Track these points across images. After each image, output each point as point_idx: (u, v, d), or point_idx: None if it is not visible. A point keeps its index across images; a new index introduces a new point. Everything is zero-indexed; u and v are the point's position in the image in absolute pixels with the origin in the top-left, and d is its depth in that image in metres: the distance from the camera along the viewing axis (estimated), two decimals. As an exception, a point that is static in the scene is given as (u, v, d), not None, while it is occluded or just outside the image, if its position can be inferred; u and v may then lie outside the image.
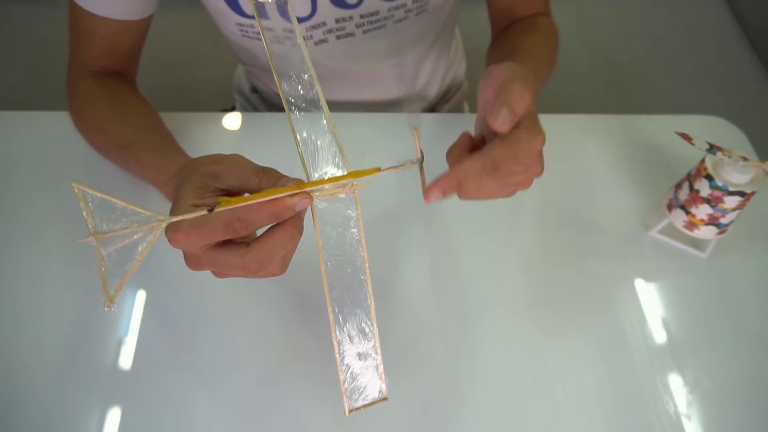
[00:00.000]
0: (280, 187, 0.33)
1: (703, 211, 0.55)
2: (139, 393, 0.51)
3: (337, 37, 0.67)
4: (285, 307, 0.56)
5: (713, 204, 0.54)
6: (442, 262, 0.59)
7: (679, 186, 0.58)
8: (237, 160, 0.37)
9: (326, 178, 0.35)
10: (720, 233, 0.57)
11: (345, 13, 0.64)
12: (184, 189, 0.36)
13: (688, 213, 0.56)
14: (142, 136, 0.54)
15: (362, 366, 0.36)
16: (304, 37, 0.66)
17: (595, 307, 0.57)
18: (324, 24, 0.64)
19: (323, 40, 0.67)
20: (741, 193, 0.52)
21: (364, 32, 0.67)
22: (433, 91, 0.83)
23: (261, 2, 0.40)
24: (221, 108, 0.87)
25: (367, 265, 0.36)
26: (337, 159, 0.37)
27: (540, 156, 0.40)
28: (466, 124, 0.73)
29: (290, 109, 0.38)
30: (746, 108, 1.27)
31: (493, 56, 0.67)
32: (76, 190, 0.32)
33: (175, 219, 0.32)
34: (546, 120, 0.71)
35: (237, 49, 0.75)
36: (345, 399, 0.35)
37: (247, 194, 0.37)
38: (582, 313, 0.56)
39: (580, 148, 0.69)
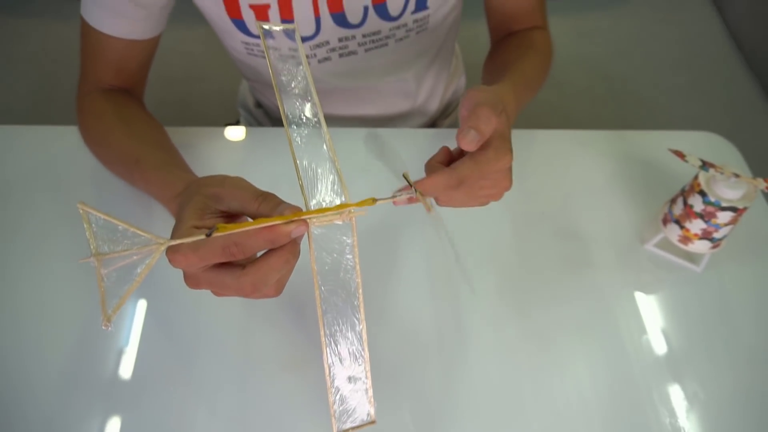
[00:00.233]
0: (277, 214, 0.35)
1: (696, 225, 0.56)
2: (139, 404, 0.52)
3: (340, 55, 0.69)
4: (283, 321, 0.57)
5: (707, 219, 0.55)
6: (438, 277, 0.60)
7: (673, 201, 0.60)
8: (238, 184, 0.38)
9: (324, 203, 0.37)
10: (714, 247, 0.58)
11: (348, 32, 0.65)
12: (186, 210, 0.38)
13: (682, 227, 0.58)
14: (149, 153, 0.56)
15: (352, 389, 0.37)
16: (307, 56, 0.67)
17: (591, 319, 0.58)
18: (327, 43, 0.66)
19: (326, 58, 0.68)
20: (733, 209, 0.54)
21: (366, 50, 0.69)
22: (434, 106, 0.85)
23: (268, 29, 0.42)
24: (226, 122, 0.89)
25: (360, 291, 0.37)
26: (336, 186, 0.38)
27: (509, 172, 0.44)
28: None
29: (290, 126, 0.40)
30: (740, 123, 1.29)
31: (487, 69, 0.70)
32: (81, 211, 0.34)
33: (173, 242, 0.33)
34: (544, 135, 0.74)
35: (241, 65, 0.76)
36: (334, 421, 0.36)
37: (245, 217, 0.38)
38: (579, 325, 0.57)
39: (577, 163, 0.71)
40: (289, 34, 0.43)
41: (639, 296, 0.60)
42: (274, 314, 0.57)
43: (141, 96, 0.68)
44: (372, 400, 0.37)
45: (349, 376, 0.37)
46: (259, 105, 0.89)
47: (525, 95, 0.58)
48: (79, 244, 0.61)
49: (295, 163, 0.38)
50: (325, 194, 0.38)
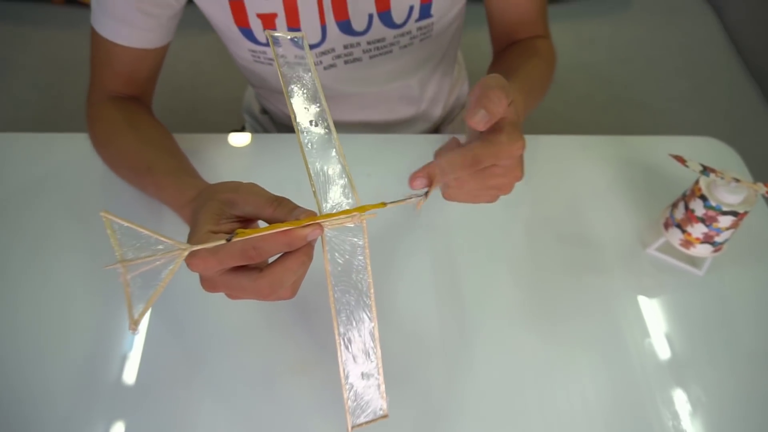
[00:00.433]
0: (292, 218, 0.36)
1: (698, 229, 0.57)
2: (146, 406, 0.52)
3: (345, 62, 0.70)
4: (291, 323, 0.57)
5: (708, 223, 0.56)
6: (444, 282, 0.61)
7: (675, 205, 0.60)
8: (252, 189, 0.39)
9: (336, 207, 0.38)
10: (715, 251, 0.59)
11: (353, 39, 0.67)
12: (201, 215, 0.38)
13: (684, 231, 0.59)
14: (160, 159, 0.57)
15: (365, 385, 0.38)
16: (314, 63, 0.68)
17: (594, 323, 0.58)
18: (333, 50, 0.67)
19: (332, 65, 0.70)
20: (734, 213, 0.54)
21: (371, 57, 0.70)
22: (437, 112, 0.86)
23: (276, 37, 0.43)
24: (231, 129, 0.90)
25: (372, 291, 0.38)
26: (346, 190, 0.39)
27: (521, 161, 0.43)
28: (469, 145, 0.75)
29: (300, 133, 0.41)
30: (740, 128, 1.30)
31: None
32: (104, 219, 0.35)
33: (195, 248, 0.34)
34: (547, 141, 0.74)
35: (247, 72, 0.77)
36: (348, 416, 0.37)
37: (261, 222, 0.39)
38: (582, 328, 0.58)
39: (579, 168, 0.72)
40: (297, 42, 0.44)
41: (641, 300, 0.60)
42: (282, 314, 0.58)
43: (149, 103, 0.69)
44: (384, 394, 0.38)
45: (362, 373, 0.38)
46: (264, 111, 0.90)
47: (531, 99, 0.59)
48: (87, 250, 0.62)
49: (307, 168, 0.39)
50: (336, 198, 0.39)
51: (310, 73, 0.42)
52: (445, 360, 0.55)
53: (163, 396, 0.53)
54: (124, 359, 0.55)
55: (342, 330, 0.38)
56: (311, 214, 0.36)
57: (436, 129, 0.90)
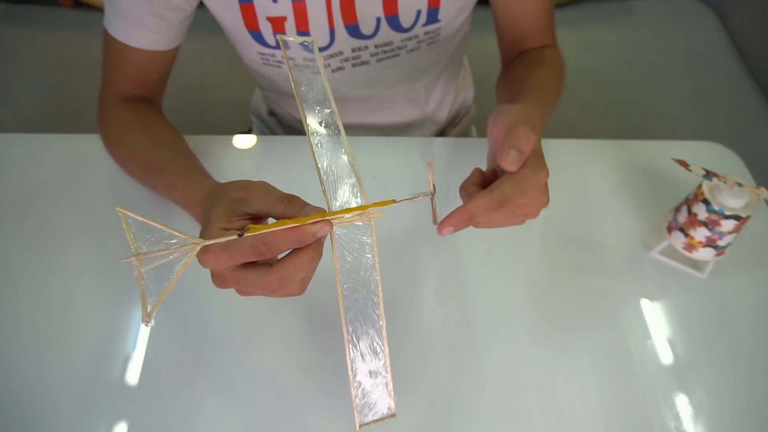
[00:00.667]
0: (303, 215, 0.37)
1: (701, 233, 0.58)
2: (150, 406, 0.52)
3: (353, 65, 0.71)
4: (298, 321, 0.58)
5: (711, 227, 0.57)
6: (450, 283, 0.62)
7: (678, 209, 0.61)
8: (263, 187, 0.40)
9: (345, 207, 0.38)
10: (718, 255, 0.59)
11: (361, 43, 0.67)
12: (213, 212, 0.39)
13: (687, 235, 0.59)
14: (172, 159, 0.58)
15: (373, 383, 0.38)
16: (323, 66, 0.69)
17: (598, 326, 0.59)
18: (341, 53, 0.68)
19: (340, 68, 0.70)
20: (737, 217, 0.55)
21: (378, 61, 0.71)
22: (443, 116, 0.86)
23: (287, 41, 0.44)
24: (238, 130, 0.91)
25: (380, 288, 0.38)
26: (354, 189, 0.40)
27: (545, 188, 0.44)
28: (474, 147, 0.76)
29: (310, 132, 0.41)
30: (743, 133, 1.30)
31: (502, 87, 0.71)
32: (120, 214, 0.36)
33: (208, 242, 0.35)
34: (552, 144, 0.75)
35: (256, 75, 0.78)
36: (356, 414, 0.37)
37: (271, 219, 0.40)
38: (585, 331, 0.59)
39: (583, 172, 0.72)
40: (306, 46, 0.45)
41: (644, 302, 0.61)
42: (289, 313, 0.58)
43: (160, 105, 0.70)
44: (392, 393, 0.38)
45: (370, 371, 0.38)
46: (271, 113, 0.91)
47: (547, 112, 0.60)
48: (91, 251, 0.63)
49: (317, 168, 0.40)
50: (345, 197, 0.40)
51: (319, 76, 0.43)
52: (451, 360, 0.56)
53: (168, 395, 0.53)
54: (127, 359, 0.55)
55: (350, 328, 0.38)
56: (321, 212, 0.37)
57: (441, 132, 0.91)
